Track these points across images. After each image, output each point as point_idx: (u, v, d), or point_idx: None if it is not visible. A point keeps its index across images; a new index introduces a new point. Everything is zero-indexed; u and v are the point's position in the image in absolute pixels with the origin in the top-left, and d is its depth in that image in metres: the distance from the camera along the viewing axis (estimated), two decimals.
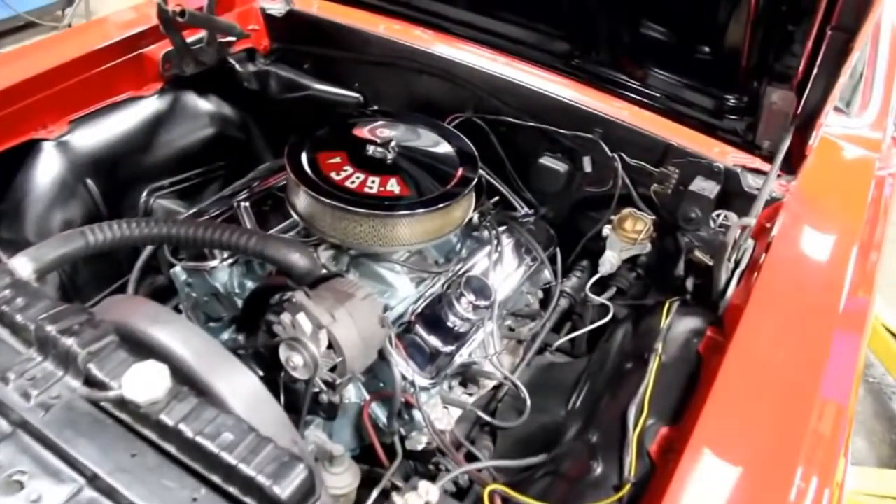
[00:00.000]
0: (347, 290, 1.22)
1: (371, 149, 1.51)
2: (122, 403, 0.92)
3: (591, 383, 1.41)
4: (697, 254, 1.59)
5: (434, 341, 1.36)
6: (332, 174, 1.44)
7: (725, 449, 1.02)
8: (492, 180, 1.82)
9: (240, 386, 1.04)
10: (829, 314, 1.27)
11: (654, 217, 1.67)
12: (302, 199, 1.45)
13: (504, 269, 1.61)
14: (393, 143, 1.52)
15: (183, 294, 1.57)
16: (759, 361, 1.16)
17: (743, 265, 1.41)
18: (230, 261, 1.49)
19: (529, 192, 1.86)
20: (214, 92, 2.00)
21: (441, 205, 1.43)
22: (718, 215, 1.48)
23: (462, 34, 1.85)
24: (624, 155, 1.66)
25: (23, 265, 1.13)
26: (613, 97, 1.67)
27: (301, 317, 1.18)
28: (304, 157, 1.48)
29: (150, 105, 1.84)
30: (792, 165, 1.47)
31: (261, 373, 1.32)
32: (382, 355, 1.29)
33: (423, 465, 1.46)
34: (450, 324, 1.40)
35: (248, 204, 1.57)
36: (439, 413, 1.42)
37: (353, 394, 1.40)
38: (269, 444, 0.93)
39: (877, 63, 1.93)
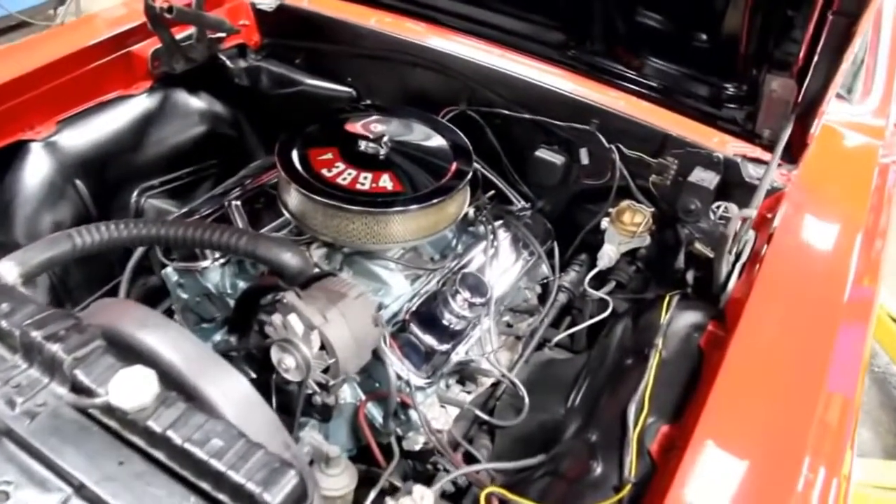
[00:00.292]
0: (339, 290, 1.20)
1: (363, 144, 1.49)
2: (109, 410, 0.90)
3: (590, 380, 1.38)
4: (698, 246, 1.56)
5: (429, 340, 1.34)
6: (324, 171, 1.41)
7: (729, 446, 0.99)
8: (487, 174, 1.79)
9: (230, 390, 1.02)
10: (833, 305, 1.24)
11: (653, 209, 1.65)
12: (293, 197, 1.42)
13: (501, 265, 1.58)
14: (385, 139, 1.49)
15: (175, 295, 1.55)
16: (761, 355, 1.14)
17: (744, 257, 1.38)
18: (222, 261, 1.47)
19: (526, 185, 1.84)
20: (205, 89, 1.97)
21: (435, 200, 1.40)
22: (718, 207, 1.45)
23: (455, 26, 1.81)
24: (621, 146, 1.63)
25: (8, 269, 1.11)
26: (610, 87, 1.64)
27: (292, 318, 1.15)
28: (294, 153, 1.45)
29: (140, 104, 1.81)
30: (793, 154, 1.44)
31: (253, 375, 1.30)
32: (377, 355, 1.26)
33: (422, 464, 1.44)
34: (445, 322, 1.38)
35: (239, 203, 1.54)
36: (436, 412, 1.40)
37: (348, 394, 1.38)
38: (260, 450, 0.91)
39: (879, 49, 1.90)
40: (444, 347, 1.36)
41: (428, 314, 1.37)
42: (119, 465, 0.90)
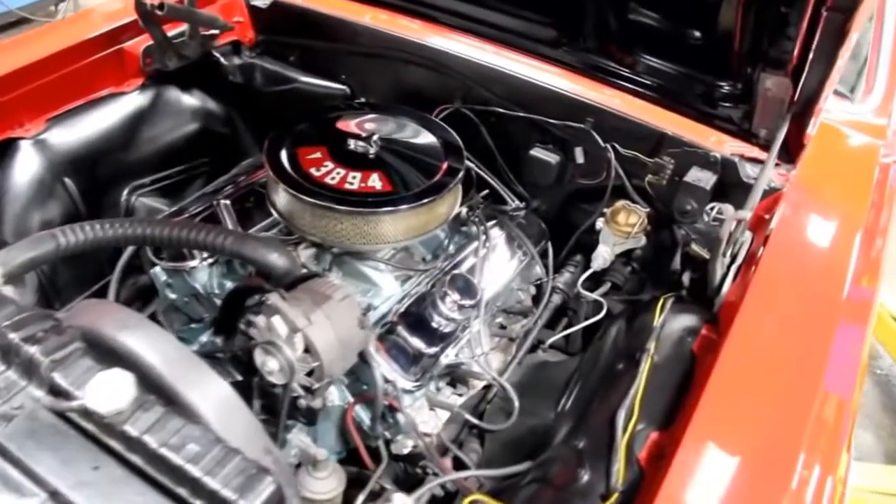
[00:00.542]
0: (325, 292, 1.18)
1: (352, 143, 1.46)
2: (86, 413, 0.89)
3: (581, 384, 1.36)
4: (694, 247, 1.54)
5: (417, 342, 1.31)
6: (312, 170, 1.39)
7: (718, 453, 0.97)
8: (482, 173, 1.77)
9: (211, 394, 1.00)
10: (830, 306, 1.22)
11: (648, 209, 1.62)
12: (281, 197, 1.40)
13: (493, 265, 1.56)
14: (375, 137, 1.47)
15: (163, 295, 1.53)
16: (754, 359, 1.11)
17: (740, 259, 1.36)
18: (210, 261, 1.45)
19: (521, 184, 1.81)
20: (198, 86, 1.95)
21: (425, 200, 1.38)
22: (712, 208, 1.42)
23: (447, 22, 1.79)
24: (617, 145, 1.60)
25: None
26: (605, 85, 1.62)
27: (276, 320, 1.13)
28: (283, 152, 1.43)
29: (131, 101, 1.80)
30: (791, 154, 1.41)
31: (238, 377, 1.28)
32: (364, 358, 1.24)
33: (413, 467, 1.42)
34: (434, 324, 1.36)
35: (228, 202, 1.52)
36: (425, 416, 1.38)
37: (336, 396, 1.36)
38: (237, 455, 0.90)
39: (881, 46, 1.86)
40: (433, 350, 1.33)
41: (416, 316, 1.35)
42: (94, 471, 0.88)
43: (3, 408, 0.90)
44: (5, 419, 0.89)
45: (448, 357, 1.37)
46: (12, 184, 1.57)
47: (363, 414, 1.34)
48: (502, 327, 1.69)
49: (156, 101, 1.85)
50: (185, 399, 0.97)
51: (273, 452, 1.01)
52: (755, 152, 1.49)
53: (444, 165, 1.47)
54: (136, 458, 0.88)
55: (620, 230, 1.60)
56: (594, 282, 1.71)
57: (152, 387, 0.95)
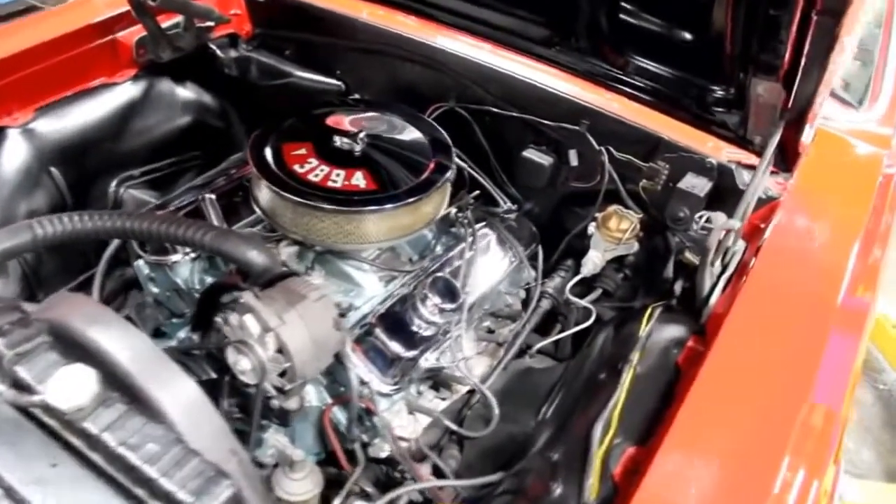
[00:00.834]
0: (300, 291, 1.15)
1: (338, 140, 1.44)
2: (48, 409, 0.87)
3: (564, 392, 1.33)
4: (688, 255, 1.50)
5: (395, 345, 1.29)
6: (296, 167, 1.37)
7: (693, 470, 0.94)
8: (474, 174, 1.73)
9: (177, 394, 0.98)
10: (822, 316, 1.18)
11: (641, 215, 1.58)
12: (263, 193, 1.38)
13: (480, 268, 1.53)
14: (362, 135, 1.45)
15: (146, 288, 1.52)
16: (738, 371, 1.08)
17: (731, 269, 1.32)
18: (192, 255, 1.43)
19: (514, 186, 1.78)
20: (193, 79, 1.93)
21: (409, 200, 1.35)
22: (701, 216, 1.38)
23: (441, 19, 1.76)
24: (611, 148, 1.57)
25: None
26: (602, 88, 1.58)
27: (248, 318, 1.11)
28: (268, 147, 1.41)
29: (123, 92, 1.78)
30: (787, 162, 1.37)
31: (213, 374, 1.26)
32: (340, 359, 1.22)
33: (393, 470, 1.39)
34: (414, 327, 1.33)
35: (213, 196, 1.50)
36: (404, 420, 1.35)
37: (314, 397, 1.34)
38: (196, 457, 0.87)
39: (888, 54, 1.81)
40: (411, 353, 1.31)
41: (396, 318, 1.32)
42: (52, 468, 0.87)
43: None
44: None
45: (428, 361, 1.34)
46: None
47: (341, 415, 1.32)
48: (490, 331, 1.66)
49: (148, 92, 1.83)
50: (150, 398, 0.96)
51: (239, 454, 0.99)
52: (753, 159, 1.45)
53: (432, 165, 1.44)
54: (96, 457, 0.87)
55: (611, 236, 1.56)
56: (585, 287, 1.68)
57: (119, 384, 0.93)
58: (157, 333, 1.61)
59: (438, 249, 1.56)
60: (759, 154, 1.40)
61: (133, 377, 0.96)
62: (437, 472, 1.33)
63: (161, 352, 1.01)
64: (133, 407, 0.90)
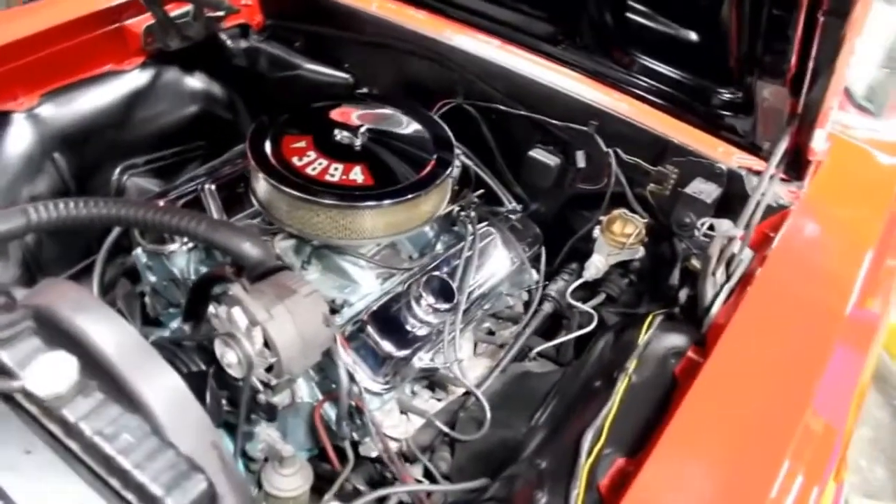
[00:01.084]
0: (290, 286, 1.13)
1: (339, 134, 1.42)
2: (28, 395, 0.87)
3: (559, 398, 1.29)
4: (694, 262, 1.45)
5: (386, 344, 1.26)
6: (294, 159, 1.35)
7: (679, 486, 0.90)
8: (480, 172, 1.70)
9: (159, 385, 0.97)
10: (827, 328, 1.13)
11: (647, 220, 1.54)
12: (260, 185, 1.37)
13: (480, 268, 1.50)
14: (363, 129, 1.42)
15: (144, 277, 1.51)
16: (735, 382, 1.04)
17: (736, 278, 1.28)
18: (189, 245, 1.42)
19: (520, 186, 1.75)
20: (201, 68, 1.92)
21: (407, 196, 1.32)
22: (703, 223, 1.34)
23: (447, 13, 1.73)
24: (619, 150, 1.53)
25: None
26: (608, 87, 1.54)
27: (236, 311, 1.09)
28: (268, 139, 1.39)
29: (130, 80, 1.77)
30: (798, 170, 1.32)
31: (203, 366, 1.25)
32: (330, 356, 1.20)
33: (385, 470, 1.37)
34: (407, 326, 1.30)
35: (213, 186, 1.49)
36: (395, 420, 1.33)
37: (306, 393, 1.32)
38: (170, 450, 0.86)
39: None
40: (403, 353, 1.28)
41: (389, 316, 1.30)
42: (25, 455, 0.86)
43: None
44: None
45: (422, 361, 1.32)
46: (1, 157, 1.56)
47: (332, 412, 1.30)
48: (490, 333, 1.63)
49: (155, 80, 1.82)
50: (132, 388, 0.95)
51: (219, 448, 0.98)
52: (763, 166, 1.40)
53: (432, 162, 1.42)
54: (73, 445, 0.86)
55: (615, 240, 1.52)
56: (590, 291, 1.64)
57: (102, 373, 0.92)
58: (155, 322, 1.61)
59: (439, 248, 1.53)
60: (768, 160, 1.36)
61: (116, 367, 0.96)
62: (428, 475, 1.31)
63: (146, 343, 1.00)
64: (111, 397, 0.88)
